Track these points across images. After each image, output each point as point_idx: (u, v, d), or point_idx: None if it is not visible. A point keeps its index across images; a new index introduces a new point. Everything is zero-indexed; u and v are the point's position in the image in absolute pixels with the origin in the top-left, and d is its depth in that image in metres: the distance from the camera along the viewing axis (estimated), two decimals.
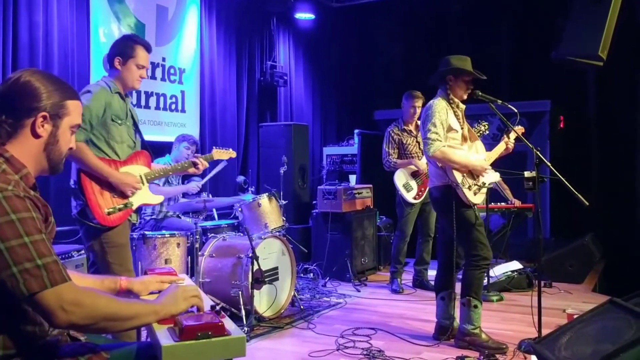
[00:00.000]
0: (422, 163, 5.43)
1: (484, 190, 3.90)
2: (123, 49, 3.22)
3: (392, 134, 5.58)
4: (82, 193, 3.01)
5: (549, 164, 3.66)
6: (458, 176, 3.73)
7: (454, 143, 3.80)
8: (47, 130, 1.64)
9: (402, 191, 5.44)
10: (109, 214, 3.02)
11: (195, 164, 3.56)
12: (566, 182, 3.49)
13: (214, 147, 3.97)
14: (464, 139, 3.91)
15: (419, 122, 5.55)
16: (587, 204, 3.40)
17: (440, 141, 3.70)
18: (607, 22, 4.96)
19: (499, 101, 3.86)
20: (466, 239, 3.79)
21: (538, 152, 3.62)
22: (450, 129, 3.79)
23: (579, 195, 3.43)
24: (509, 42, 8.36)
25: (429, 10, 8.16)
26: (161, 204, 4.91)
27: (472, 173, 3.81)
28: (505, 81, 8.11)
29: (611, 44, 5.01)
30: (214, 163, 5.35)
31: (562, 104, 7.95)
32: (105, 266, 3.05)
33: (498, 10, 8.09)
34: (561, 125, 8.18)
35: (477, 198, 3.81)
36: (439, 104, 3.80)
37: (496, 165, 5.84)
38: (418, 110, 5.41)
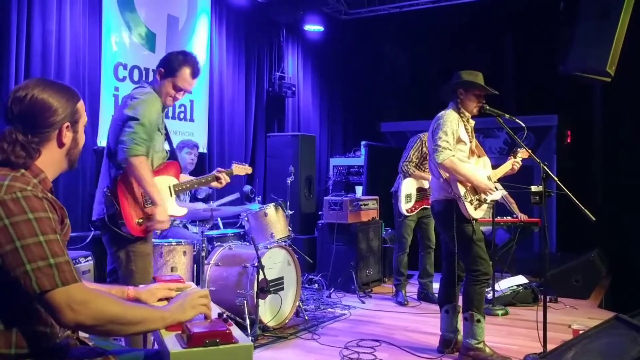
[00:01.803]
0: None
1: (485, 206, 3.90)
2: (170, 63, 3.12)
3: (423, 144, 5.43)
4: (117, 201, 2.98)
5: (555, 178, 3.67)
6: (461, 189, 3.74)
7: (461, 155, 3.81)
8: (69, 137, 1.71)
9: (402, 199, 5.45)
10: (138, 224, 3.02)
11: (218, 178, 3.54)
12: (573, 197, 3.49)
13: (233, 162, 3.89)
14: (472, 152, 3.92)
15: None
16: (594, 219, 3.40)
17: (451, 150, 3.70)
18: (615, 38, 4.98)
19: (507, 115, 3.86)
20: (466, 254, 3.79)
21: (545, 167, 3.62)
22: (459, 140, 3.80)
23: (586, 211, 3.43)
24: (516, 56, 8.40)
25: (435, 23, 8.21)
26: None
27: (476, 189, 3.82)
28: (512, 95, 8.14)
29: (619, 58, 5.02)
30: (229, 190, 5.39)
31: (569, 118, 7.97)
32: (128, 274, 3.04)
33: (505, 25, 8.14)
34: (568, 140, 8.18)
35: (477, 213, 3.81)
36: (451, 114, 3.81)
37: (503, 179, 5.85)
38: None
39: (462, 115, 3.85)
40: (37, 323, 1.58)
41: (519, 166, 4.18)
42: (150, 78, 5.70)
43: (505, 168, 4.14)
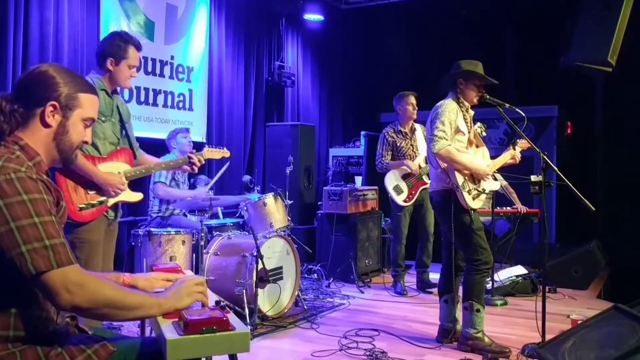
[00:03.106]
0: (414, 164, 5.44)
1: (483, 196, 3.89)
2: (115, 50, 3.20)
3: (387, 136, 5.61)
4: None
5: (555, 168, 3.65)
6: (459, 178, 3.72)
7: (459, 145, 3.79)
8: (57, 121, 1.68)
9: (393, 194, 5.47)
10: (80, 209, 3.00)
11: (190, 159, 3.49)
12: (572, 187, 3.48)
13: (205, 146, 3.90)
14: (470, 143, 3.90)
15: (414, 124, 5.60)
16: (593, 209, 3.39)
17: (447, 140, 3.68)
18: (617, 28, 4.96)
19: (507, 105, 3.84)
20: (466, 244, 3.78)
21: (545, 157, 3.61)
22: (458, 130, 3.78)
23: (585, 201, 3.42)
24: (516, 47, 8.36)
25: (436, 14, 8.17)
26: (167, 202, 4.93)
27: (474, 177, 3.81)
28: (512, 86, 8.10)
29: (620, 50, 5.00)
30: (217, 165, 5.29)
31: (569, 110, 7.94)
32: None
33: (505, 15, 8.09)
34: (568, 131, 8.17)
35: (475, 203, 3.80)
36: (450, 104, 3.79)
37: (503, 170, 5.83)
38: (416, 107, 5.49)
39: (461, 105, 3.83)
40: (34, 306, 1.58)
41: (519, 157, 4.16)
42: (150, 67, 5.70)
43: (505, 158, 4.11)
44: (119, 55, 3.20)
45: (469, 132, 3.87)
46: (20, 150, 1.61)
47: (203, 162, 3.62)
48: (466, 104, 3.86)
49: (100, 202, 3.07)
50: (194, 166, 3.52)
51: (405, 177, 5.52)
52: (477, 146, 3.98)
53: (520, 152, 4.17)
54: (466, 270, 3.83)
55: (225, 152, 4.00)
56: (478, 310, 3.76)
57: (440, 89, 3.99)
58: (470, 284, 3.78)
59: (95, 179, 3.01)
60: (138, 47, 3.29)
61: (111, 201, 3.13)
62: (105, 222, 3.18)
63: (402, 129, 5.60)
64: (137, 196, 3.35)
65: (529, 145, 4.03)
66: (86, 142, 1.77)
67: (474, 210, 3.79)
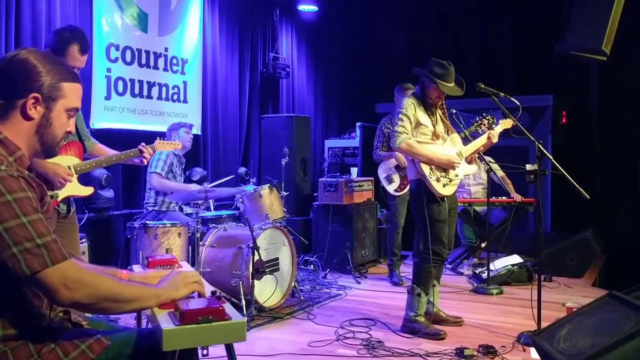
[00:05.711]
0: (403, 157, 5.47)
1: (456, 182, 3.96)
2: (55, 42, 3.00)
3: (383, 128, 5.62)
4: None
5: (550, 156, 3.66)
6: (425, 169, 3.82)
7: (423, 138, 3.90)
8: (40, 113, 1.60)
9: (384, 183, 5.56)
10: None
11: (142, 152, 3.37)
12: (567, 175, 3.49)
13: (157, 139, 3.74)
14: (436, 135, 3.97)
15: None
16: (588, 197, 3.40)
17: (407, 134, 3.82)
18: (611, 16, 4.95)
19: (502, 94, 3.85)
20: (426, 232, 3.86)
21: (540, 145, 3.62)
22: (419, 124, 3.89)
23: (580, 189, 3.43)
24: (512, 36, 8.34)
25: (432, 3, 8.14)
26: (164, 194, 4.91)
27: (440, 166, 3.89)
28: (508, 75, 8.09)
29: (615, 38, 5.00)
30: (225, 173, 5.23)
31: (564, 98, 7.95)
32: None
33: (502, 4, 8.06)
34: (563, 120, 8.17)
35: (446, 190, 3.88)
36: (408, 101, 3.93)
37: (499, 159, 5.83)
38: None
39: (425, 100, 3.94)
40: (24, 304, 1.55)
41: (497, 135, 4.10)
42: (144, 59, 5.67)
43: (480, 142, 4.10)
44: (56, 49, 2.98)
45: (434, 125, 3.96)
46: None
47: (152, 153, 3.48)
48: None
49: (51, 197, 2.93)
50: (144, 159, 3.38)
51: (398, 168, 5.55)
52: (448, 134, 4.04)
53: (499, 131, 4.15)
54: (419, 257, 3.94)
55: (177, 144, 3.89)
56: (419, 295, 3.92)
57: (412, 73, 4.05)
58: (417, 270, 3.96)
59: (41, 170, 2.88)
60: (82, 48, 3.04)
61: (62, 195, 3.05)
62: (56, 216, 3.07)
63: None
64: (87, 190, 3.25)
65: (512, 124, 4.09)
66: (70, 133, 1.70)
67: (446, 197, 3.87)
